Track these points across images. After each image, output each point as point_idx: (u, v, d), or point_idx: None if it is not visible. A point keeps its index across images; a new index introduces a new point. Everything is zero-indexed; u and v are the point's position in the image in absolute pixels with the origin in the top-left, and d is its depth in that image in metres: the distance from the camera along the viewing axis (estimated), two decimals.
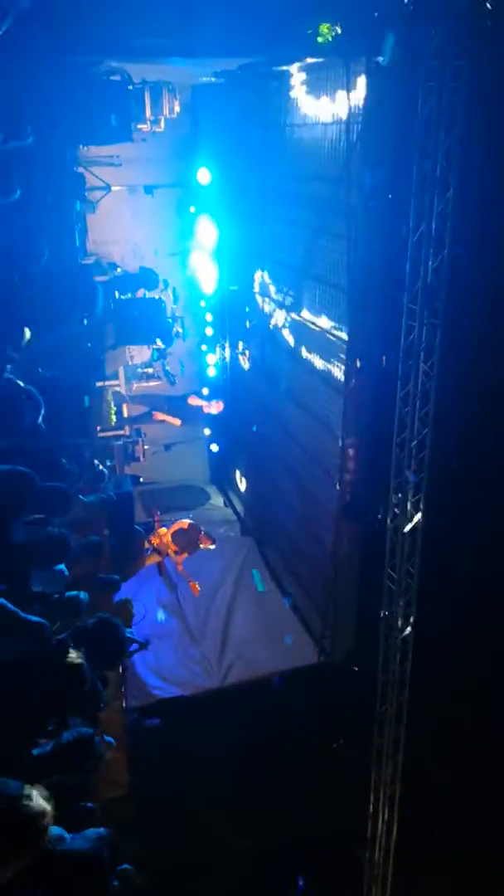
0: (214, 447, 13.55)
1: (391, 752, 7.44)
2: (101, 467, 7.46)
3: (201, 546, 9.77)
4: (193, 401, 12.21)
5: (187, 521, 9.94)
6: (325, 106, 8.09)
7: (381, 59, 6.44)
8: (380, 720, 7.43)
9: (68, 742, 4.17)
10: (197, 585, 9.64)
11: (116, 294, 10.60)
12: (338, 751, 8.15)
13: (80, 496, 6.70)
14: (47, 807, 3.39)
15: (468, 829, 7.29)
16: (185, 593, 10.25)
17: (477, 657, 7.12)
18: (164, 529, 9.80)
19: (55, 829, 4.18)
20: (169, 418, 11.87)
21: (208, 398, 12.85)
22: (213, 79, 10.45)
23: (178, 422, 11.96)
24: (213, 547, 9.97)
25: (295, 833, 7.79)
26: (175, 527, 9.80)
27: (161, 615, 10.22)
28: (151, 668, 9.35)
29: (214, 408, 12.26)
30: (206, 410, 12.18)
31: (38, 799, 3.44)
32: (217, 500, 13.60)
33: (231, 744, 8.22)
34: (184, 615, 10.17)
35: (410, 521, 7.04)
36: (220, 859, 7.91)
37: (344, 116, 7.46)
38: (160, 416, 11.79)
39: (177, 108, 9.84)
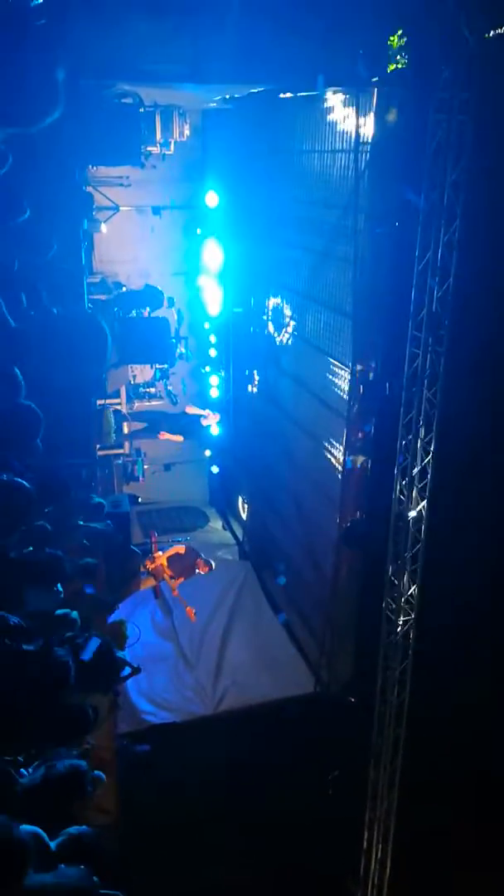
0: (215, 469, 13.49)
1: (387, 786, 7.29)
2: (98, 500, 7.42)
3: (198, 571, 9.62)
4: (191, 409, 12.20)
5: (184, 546, 9.81)
6: (335, 133, 8.15)
7: None
8: (376, 752, 7.29)
9: (60, 773, 4.05)
10: (193, 611, 9.48)
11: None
12: (333, 783, 7.97)
13: (80, 522, 6.64)
14: (30, 840, 3.30)
15: (466, 868, 7.11)
16: (180, 617, 10.11)
17: (477, 689, 6.99)
18: (160, 553, 9.66)
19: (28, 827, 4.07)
20: (172, 437, 11.86)
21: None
22: (223, 102, 10.56)
23: (180, 438, 11.95)
24: (209, 571, 9.83)
25: (288, 867, 7.60)
26: (171, 551, 9.66)
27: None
28: (144, 693, 9.19)
29: (212, 418, 12.26)
30: (204, 422, 12.16)
31: (21, 831, 3.34)
32: (216, 522, 13.51)
33: (223, 773, 8.06)
34: (178, 639, 10.03)
35: (411, 549, 6.97)
36: (209, 892, 7.71)
37: (353, 144, 7.51)
38: (165, 435, 11.79)
39: (187, 132, 9.97)
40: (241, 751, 8.27)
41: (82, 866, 4.09)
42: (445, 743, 7.10)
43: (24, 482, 4.88)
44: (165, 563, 9.45)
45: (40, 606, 5.23)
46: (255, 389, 12.03)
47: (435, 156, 6.19)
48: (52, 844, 4.36)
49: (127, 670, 7.69)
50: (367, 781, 7.34)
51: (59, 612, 5.01)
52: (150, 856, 7.23)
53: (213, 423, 12.32)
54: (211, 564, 9.73)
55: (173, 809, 7.82)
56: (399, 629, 7.05)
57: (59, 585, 5.41)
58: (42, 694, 4.22)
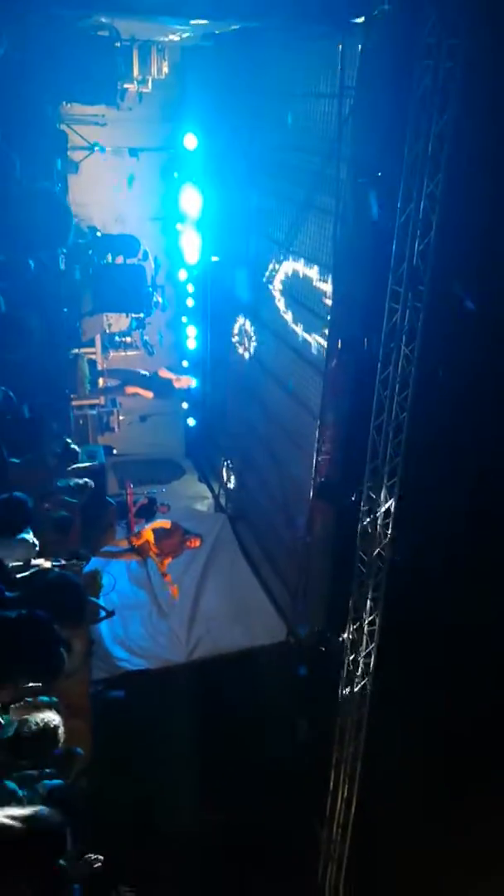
0: (191, 421, 13.42)
1: (353, 731, 7.53)
2: (72, 446, 7.32)
3: (187, 546, 9.62)
4: (164, 373, 11.99)
5: (168, 521, 9.74)
6: (318, 77, 7.87)
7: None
8: (344, 700, 7.50)
9: (31, 732, 4.12)
10: (177, 589, 9.54)
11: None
12: (302, 728, 8.23)
13: (59, 483, 6.58)
14: None
15: (429, 808, 7.43)
16: (155, 566, 10.20)
17: (446, 642, 7.18)
18: (146, 530, 9.59)
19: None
20: (141, 391, 11.67)
21: (186, 371, 12.71)
22: (203, 39, 10.12)
23: (150, 394, 11.77)
24: (199, 545, 9.83)
25: (257, 808, 7.88)
26: (156, 525, 9.62)
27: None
28: (118, 640, 9.32)
29: (185, 382, 12.08)
30: (176, 385, 11.99)
31: None
32: (192, 475, 13.50)
33: (196, 718, 8.26)
34: (153, 588, 10.13)
35: (384, 504, 7.04)
36: (179, 831, 7.99)
37: (337, 89, 7.26)
38: (132, 389, 11.59)
39: (165, 69, 9.56)
40: (213, 697, 8.47)
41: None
42: (412, 693, 7.32)
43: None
44: (152, 539, 9.42)
45: (15, 557, 5.23)
46: (233, 341, 11.89)
47: (420, 104, 6.01)
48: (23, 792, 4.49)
49: (102, 613, 7.79)
50: (335, 726, 7.57)
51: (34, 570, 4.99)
52: (123, 798, 7.45)
53: (185, 386, 12.14)
54: (200, 538, 9.74)
55: (146, 753, 8.02)
56: (370, 582, 7.17)
57: (31, 535, 5.40)
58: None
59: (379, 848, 7.66)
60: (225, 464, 12.46)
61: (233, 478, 12.20)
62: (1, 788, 4.11)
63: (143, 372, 11.88)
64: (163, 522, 9.71)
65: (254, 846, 7.78)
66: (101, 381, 11.26)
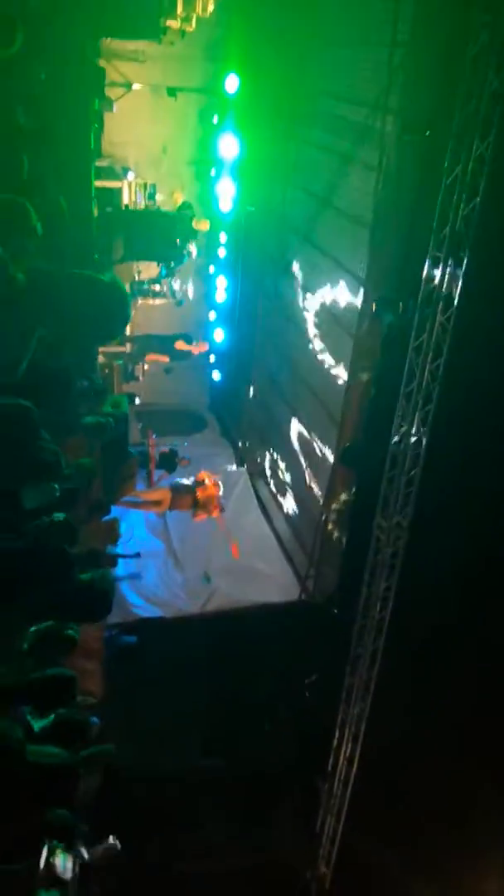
0: (216, 375, 13.33)
1: (361, 692, 7.66)
2: (100, 384, 7.30)
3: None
4: (181, 346, 11.76)
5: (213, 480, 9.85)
6: (370, 24, 7.49)
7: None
8: (353, 662, 7.61)
9: (47, 678, 4.25)
10: (237, 547, 9.68)
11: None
12: (310, 686, 8.38)
13: (82, 421, 6.59)
14: None
15: (427, 767, 7.61)
16: (172, 517, 10.29)
17: (458, 611, 7.23)
18: (212, 481, 9.70)
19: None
20: (159, 357, 11.58)
21: (213, 323, 12.57)
22: None
23: (166, 359, 11.68)
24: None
25: (259, 760, 8.11)
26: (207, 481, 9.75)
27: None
28: (134, 587, 9.49)
29: (202, 348, 11.95)
30: (194, 352, 11.85)
31: None
32: (214, 428, 13.48)
33: (205, 668, 8.44)
34: (171, 539, 10.25)
35: (407, 473, 6.99)
36: (182, 772, 8.26)
37: (389, 38, 6.90)
38: (151, 357, 11.51)
39: (210, 7, 9.14)
40: (223, 649, 8.63)
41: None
42: (421, 658, 7.42)
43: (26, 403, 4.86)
44: (216, 493, 9.53)
45: (36, 502, 5.30)
46: (265, 300, 11.68)
47: (475, 61, 5.72)
48: (38, 725, 4.68)
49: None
50: (343, 687, 7.71)
51: (57, 516, 5.05)
52: (130, 739, 7.68)
53: (203, 351, 12.01)
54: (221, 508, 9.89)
55: (155, 698, 8.24)
56: (388, 549, 7.18)
57: (55, 483, 5.46)
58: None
59: (377, 803, 7.87)
60: (269, 456, 12.23)
61: (253, 430, 11.96)
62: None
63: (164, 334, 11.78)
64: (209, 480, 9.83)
65: (252, 793, 8.04)
66: (127, 345, 11.20)
